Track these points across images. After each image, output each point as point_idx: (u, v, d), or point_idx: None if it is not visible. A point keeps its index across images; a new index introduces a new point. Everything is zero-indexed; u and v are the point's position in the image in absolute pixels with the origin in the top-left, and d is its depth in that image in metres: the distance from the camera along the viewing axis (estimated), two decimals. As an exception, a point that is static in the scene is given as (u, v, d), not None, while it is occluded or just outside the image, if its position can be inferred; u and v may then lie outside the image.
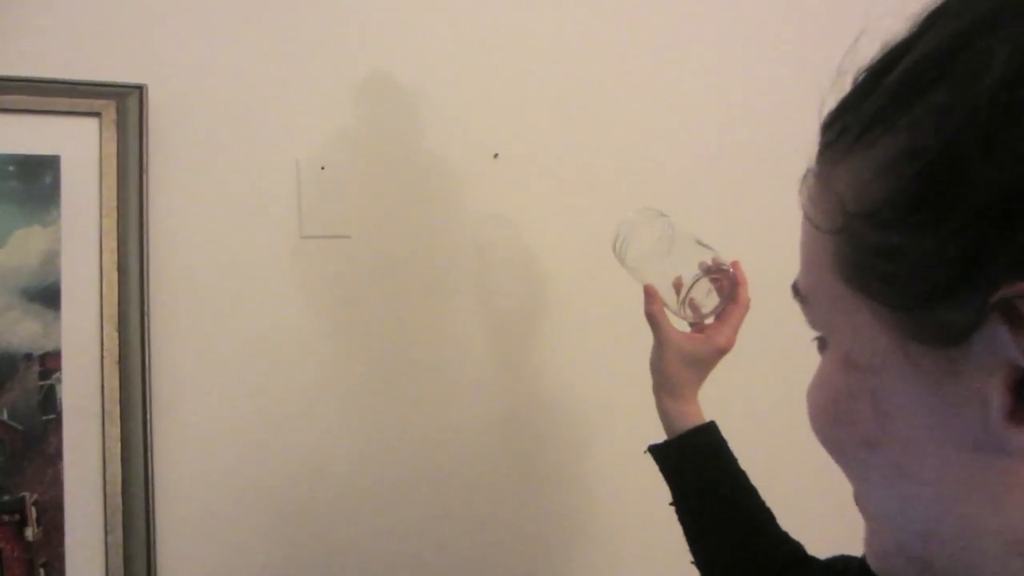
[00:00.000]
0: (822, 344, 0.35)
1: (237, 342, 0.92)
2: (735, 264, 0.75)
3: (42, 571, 0.83)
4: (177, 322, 0.90)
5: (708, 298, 0.76)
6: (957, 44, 0.27)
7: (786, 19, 1.22)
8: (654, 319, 0.76)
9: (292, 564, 0.94)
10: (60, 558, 0.84)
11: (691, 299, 0.75)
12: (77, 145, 0.86)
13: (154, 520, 0.86)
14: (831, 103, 0.33)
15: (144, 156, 0.88)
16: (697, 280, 0.74)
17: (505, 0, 1.07)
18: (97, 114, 0.87)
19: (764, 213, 1.04)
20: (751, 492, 0.71)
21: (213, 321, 0.91)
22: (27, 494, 0.83)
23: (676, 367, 0.75)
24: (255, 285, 0.94)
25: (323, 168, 0.97)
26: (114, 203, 0.87)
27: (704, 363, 0.75)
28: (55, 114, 0.85)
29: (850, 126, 0.31)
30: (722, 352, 0.74)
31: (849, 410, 0.31)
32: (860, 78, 0.31)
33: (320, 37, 0.97)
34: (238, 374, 0.92)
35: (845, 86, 0.32)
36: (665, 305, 0.76)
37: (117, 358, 0.86)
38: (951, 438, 0.27)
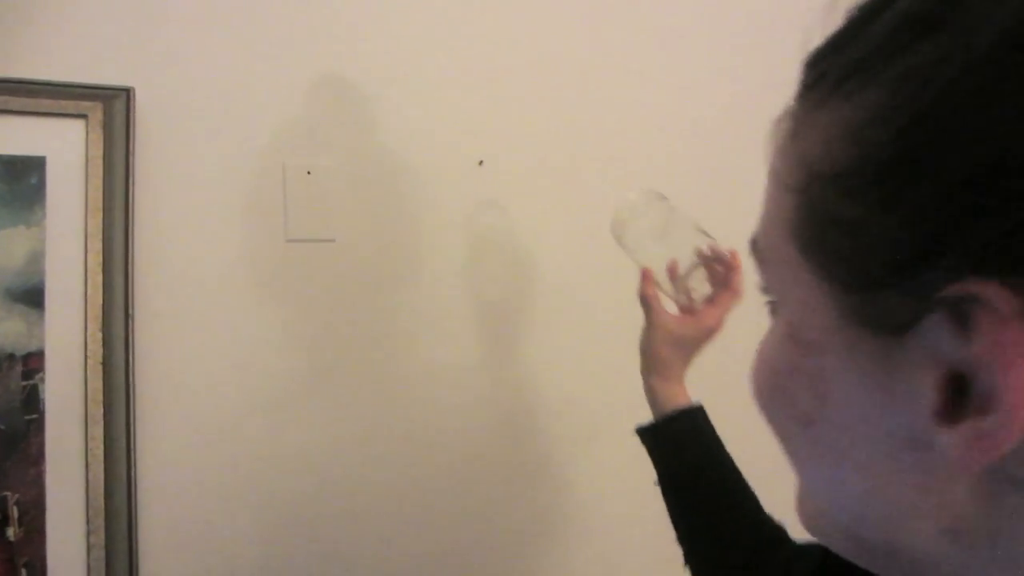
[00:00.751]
0: (773, 309, 0.33)
1: (221, 345, 0.93)
2: (733, 253, 0.76)
3: (24, 571, 0.83)
4: (161, 324, 0.90)
5: (702, 284, 0.77)
6: None
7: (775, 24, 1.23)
8: (647, 302, 0.78)
9: (275, 566, 0.94)
10: (42, 558, 0.84)
11: (691, 281, 0.77)
12: (63, 147, 0.87)
13: (136, 521, 0.87)
14: (818, 38, 0.30)
15: (130, 158, 0.88)
16: (695, 267, 0.76)
17: (491, 8, 1.08)
18: (84, 116, 0.87)
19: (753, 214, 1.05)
20: (735, 473, 0.72)
21: (197, 323, 0.92)
22: (8, 494, 0.83)
23: (665, 349, 0.76)
24: (240, 288, 0.94)
25: (309, 172, 0.98)
26: (99, 204, 0.87)
27: (692, 345, 0.76)
28: (42, 115, 0.86)
29: (830, 71, 0.28)
30: (710, 334, 0.76)
31: (787, 385, 0.30)
32: (851, 15, 0.28)
33: (307, 42, 0.98)
34: (222, 377, 0.93)
35: (836, 20, 0.29)
36: (659, 287, 0.78)
37: (101, 359, 0.86)
38: (884, 427, 0.26)
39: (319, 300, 0.98)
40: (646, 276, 0.78)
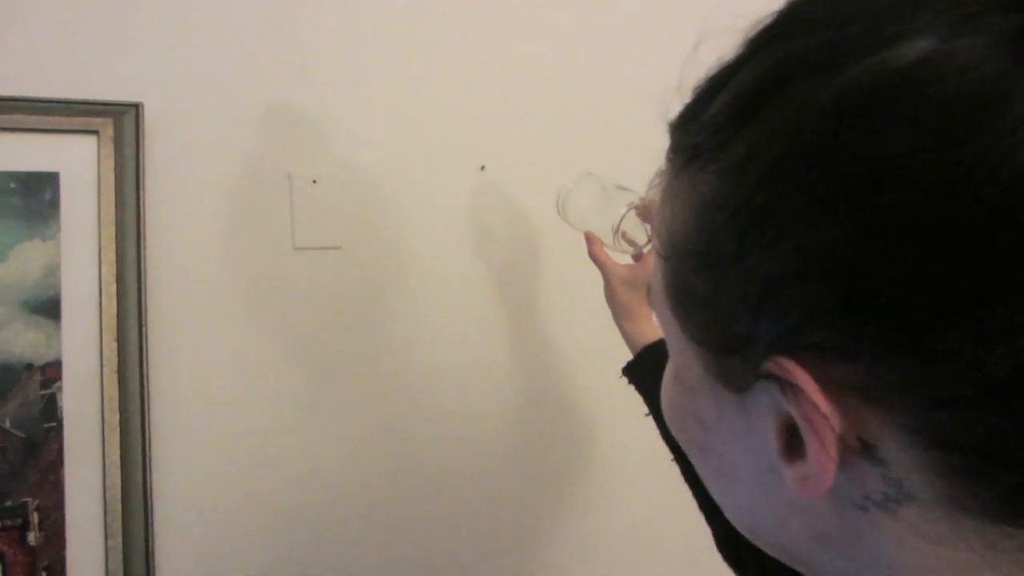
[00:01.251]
0: (667, 347, 0.36)
1: (233, 352, 0.95)
2: (654, 199, 0.81)
3: (44, 574, 0.86)
4: (174, 333, 0.93)
5: (639, 230, 0.86)
6: (774, 81, 0.26)
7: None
8: (596, 259, 0.88)
9: (289, 570, 0.96)
10: (61, 562, 0.86)
11: (624, 233, 0.85)
12: (76, 162, 0.89)
13: (152, 525, 0.89)
14: (676, 107, 0.32)
15: (140, 172, 0.91)
16: (623, 216, 0.84)
17: (497, 13, 1.10)
18: (95, 132, 0.90)
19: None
20: None
21: (209, 332, 0.94)
22: (29, 500, 0.86)
23: (624, 294, 0.85)
24: (250, 295, 0.96)
25: (315, 181, 1.00)
26: (112, 217, 0.89)
27: (645, 285, 0.85)
28: (55, 132, 0.88)
29: (681, 147, 0.31)
30: None
31: (682, 418, 0.35)
32: (696, 90, 0.31)
33: (311, 54, 1.00)
34: (233, 383, 0.95)
35: (686, 95, 0.31)
36: (607, 247, 0.88)
37: (116, 368, 0.89)
38: (751, 457, 0.31)
39: (327, 306, 1.00)
40: (589, 238, 0.89)
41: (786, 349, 0.26)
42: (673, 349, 0.34)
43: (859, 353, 0.25)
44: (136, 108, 0.91)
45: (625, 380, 0.84)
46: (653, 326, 0.84)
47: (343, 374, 1.01)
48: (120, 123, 0.90)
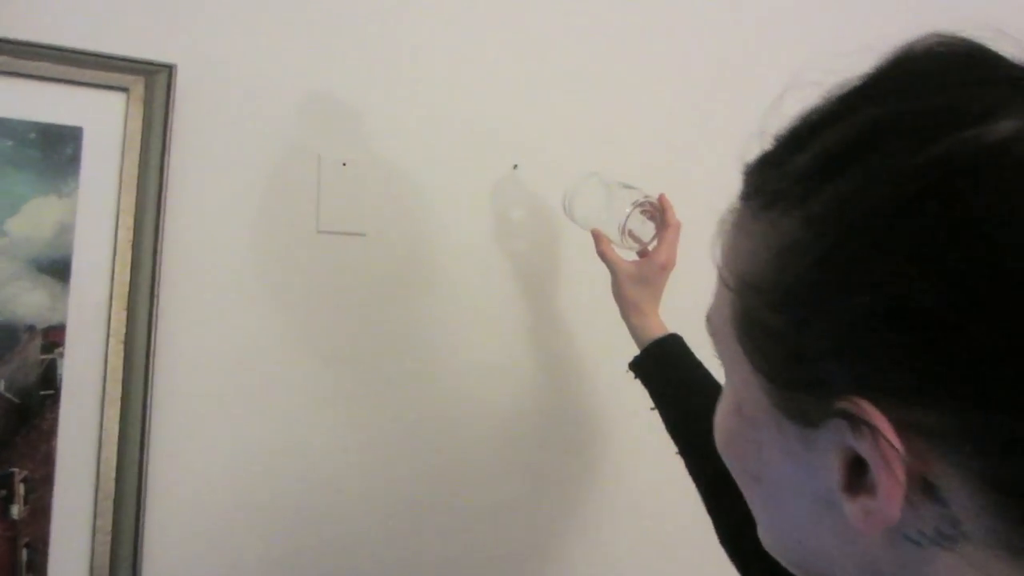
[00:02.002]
0: (726, 373, 0.38)
1: (246, 334, 0.91)
2: (661, 196, 0.88)
3: (24, 552, 0.80)
4: (187, 308, 0.88)
5: (644, 227, 0.89)
6: (866, 140, 0.28)
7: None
8: (604, 256, 0.90)
9: (283, 560, 0.92)
10: (44, 539, 0.81)
11: (630, 231, 0.88)
12: (102, 118, 0.85)
13: (144, 507, 0.84)
14: (756, 151, 0.34)
15: (168, 136, 0.86)
16: (629, 213, 0.86)
17: (535, 8, 1.08)
18: (125, 89, 0.86)
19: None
20: (716, 388, 0.75)
21: (223, 310, 0.90)
22: (16, 470, 0.80)
23: (631, 289, 0.87)
24: (268, 277, 0.92)
25: (344, 164, 0.97)
26: (134, 181, 0.85)
27: (653, 281, 0.87)
28: (82, 85, 0.84)
29: (762, 189, 0.32)
30: (664, 268, 0.87)
31: (738, 447, 0.36)
32: (781, 137, 0.33)
33: (353, 34, 0.97)
34: (243, 365, 0.91)
35: (766, 141, 0.33)
36: (613, 244, 0.90)
37: (123, 338, 0.84)
38: (809, 490, 0.32)
39: (347, 294, 0.96)
40: (596, 236, 0.90)
41: (860, 390, 0.28)
42: (735, 380, 0.36)
43: (932, 399, 0.26)
44: (169, 69, 0.87)
45: (632, 376, 0.86)
46: (659, 322, 0.86)
47: (359, 365, 0.97)
48: (152, 83, 0.86)
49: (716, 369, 0.70)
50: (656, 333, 0.85)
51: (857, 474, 0.29)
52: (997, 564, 0.27)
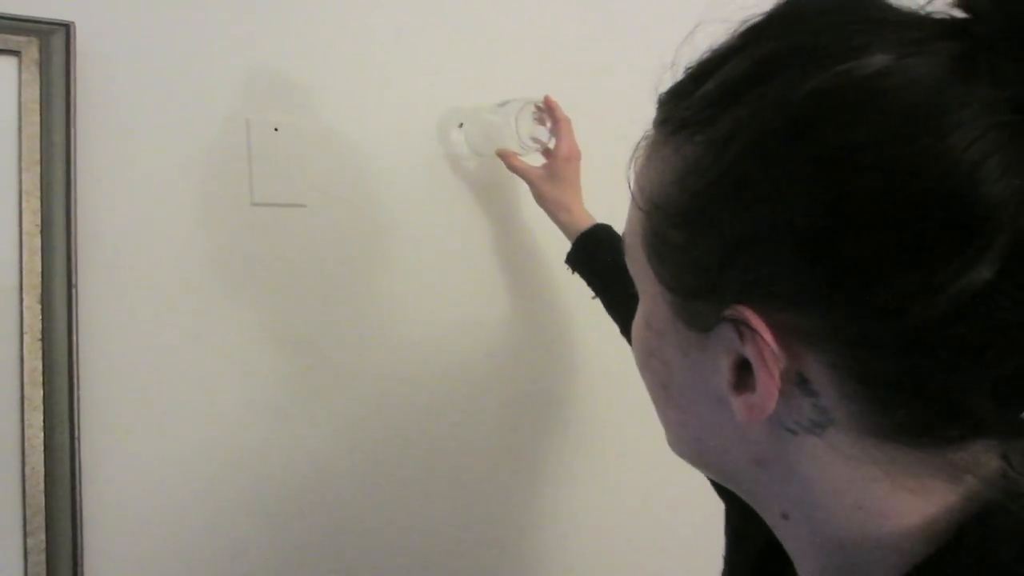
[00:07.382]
0: (639, 294, 0.41)
1: (178, 319, 0.83)
2: (546, 97, 0.93)
3: (-55, 582, 0.72)
4: (109, 296, 0.79)
5: (539, 130, 0.93)
6: (760, 72, 0.32)
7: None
8: (517, 169, 0.94)
9: (234, 567, 0.85)
10: (-32, 566, 0.72)
11: (530, 136, 0.92)
12: (-10, 87, 0.74)
13: (81, 521, 0.76)
14: (668, 82, 0.37)
15: (71, 104, 0.76)
16: (518, 118, 0.89)
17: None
18: (16, 52, 0.75)
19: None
20: None
21: (150, 295, 0.81)
22: (-73, 493, 0.71)
23: (549, 190, 0.93)
24: (200, 256, 0.84)
25: (276, 130, 0.88)
26: (36, 157, 0.75)
27: (565, 175, 0.92)
28: (-36, 50, 0.73)
29: (670, 118, 0.36)
30: (569, 159, 0.92)
31: (649, 360, 0.40)
32: (689, 70, 0.36)
33: (275, -16, 0.88)
34: (178, 354, 0.83)
35: (678, 74, 0.36)
36: (519, 154, 0.94)
37: (39, 335, 0.75)
38: (706, 392, 0.36)
39: (286, 270, 0.89)
40: (502, 155, 0.94)
41: (746, 297, 0.32)
42: (645, 295, 0.40)
43: (808, 304, 0.31)
44: (67, 28, 0.77)
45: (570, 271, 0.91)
46: (586, 215, 0.91)
47: (302, 345, 0.90)
48: (47, 44, 0.76)
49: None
50: (585, 224, 0.90)
51: (743, 374, 0.34)
52: (862, 445, 0.33)
